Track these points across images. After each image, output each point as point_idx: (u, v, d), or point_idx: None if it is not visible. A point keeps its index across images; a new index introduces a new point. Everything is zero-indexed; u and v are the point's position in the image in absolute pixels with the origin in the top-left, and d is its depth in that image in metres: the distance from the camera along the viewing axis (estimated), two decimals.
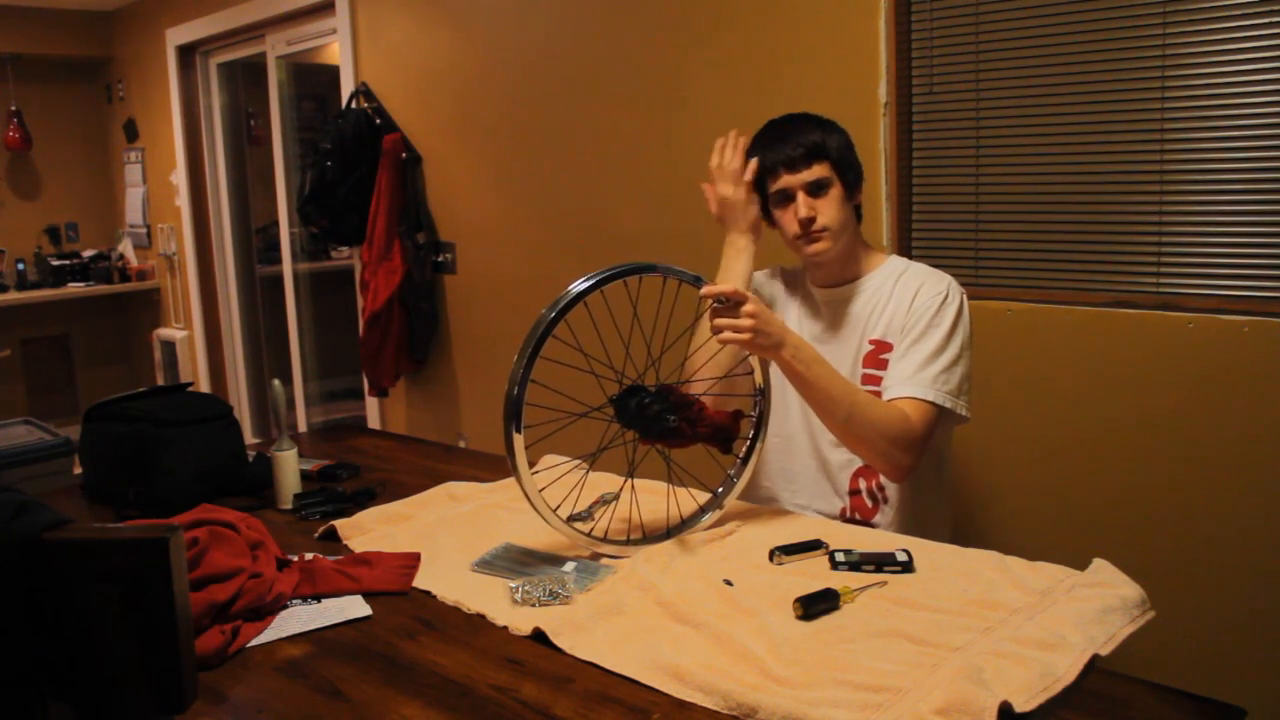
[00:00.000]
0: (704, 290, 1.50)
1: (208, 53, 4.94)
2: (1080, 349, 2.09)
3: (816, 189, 1.70)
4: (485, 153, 3.39)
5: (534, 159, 3.22)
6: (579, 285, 1.48)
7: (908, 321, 1.68)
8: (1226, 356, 1.91)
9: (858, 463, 1.72)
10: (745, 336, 1.48)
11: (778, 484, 1.84)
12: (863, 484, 1.73)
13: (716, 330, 1.49)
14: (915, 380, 1.63)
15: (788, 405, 1.77)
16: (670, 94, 2.77)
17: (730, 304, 1.50)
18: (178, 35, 4.90)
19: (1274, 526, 1.88)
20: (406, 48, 3.62)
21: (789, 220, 1.72)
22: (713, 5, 2.63)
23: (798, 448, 1.80)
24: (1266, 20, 1.83)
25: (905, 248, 2.34)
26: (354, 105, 3.71)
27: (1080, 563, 1.35)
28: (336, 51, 3.95)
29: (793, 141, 1.70)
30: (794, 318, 1.83)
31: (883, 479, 1.71)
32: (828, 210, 1.70)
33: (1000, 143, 2.18)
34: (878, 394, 1.67)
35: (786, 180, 1.70)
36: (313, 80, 4.71)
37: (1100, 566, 1.33)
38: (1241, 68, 1.87)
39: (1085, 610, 1.20)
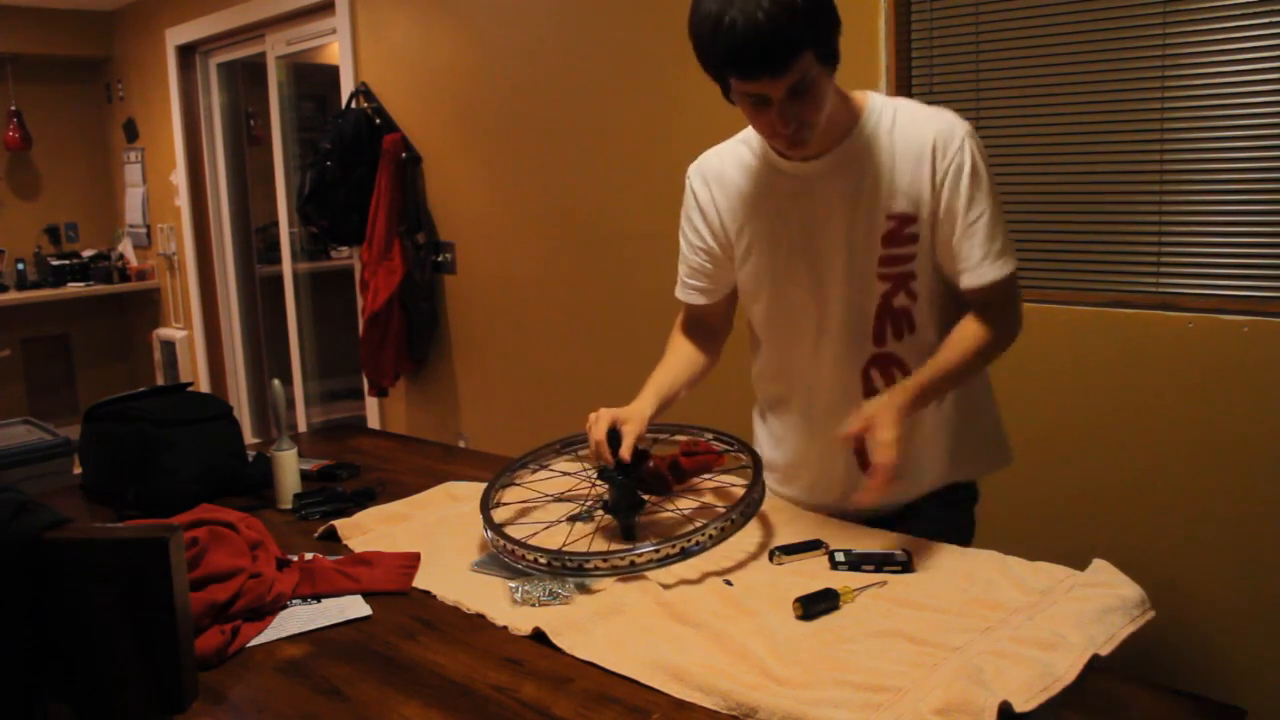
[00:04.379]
0: (845, 434, 1.38)
1: (208, 53, 4.94)
2: (1080, 349, 2.09)
3: (801, 90, 1.33)
4: (485, 153, 3.39)
5: (534, 159, 3.22)
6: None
7: (938, 188, 1.43)
8: (1226, 356, 1.91)
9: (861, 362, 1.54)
10: (894, 460, 1.33)
11: (797, 390, 1.63)
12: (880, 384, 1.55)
13: (870, 502, 1.36)
14: (993, 258, 1.44)
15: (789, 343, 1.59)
16: (670, 93, 2.77)
17: None
18: (178, 35, 4.90)
19: (1274, 526, 1.88)
20: (406, 48, 3.62)
21: (763, 124, 1.39)
22: None
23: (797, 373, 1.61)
24: (1266, 20, 1.83)
25: None
26: (354, 105, 3.71)
27: (1080, 563, 1.35)
28: (336, 51, 3.95)
29: (763, 45, 1.27)
30: (770, 210, 1.52)
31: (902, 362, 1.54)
32: (813, 106, 1.35)
33: (1000, 143, 2.18)
34: (906, 273, 1.47)
35: (762, 88, 1.32)
36: (313, 80, 4.71)
37: (1100, 567, 1.33)
38: (1241, 68, 1.87)
39: (1085, 610, 1.20)
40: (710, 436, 1.72)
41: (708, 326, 1.70)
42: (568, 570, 1.38)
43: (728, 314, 1.70)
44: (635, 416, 1.54)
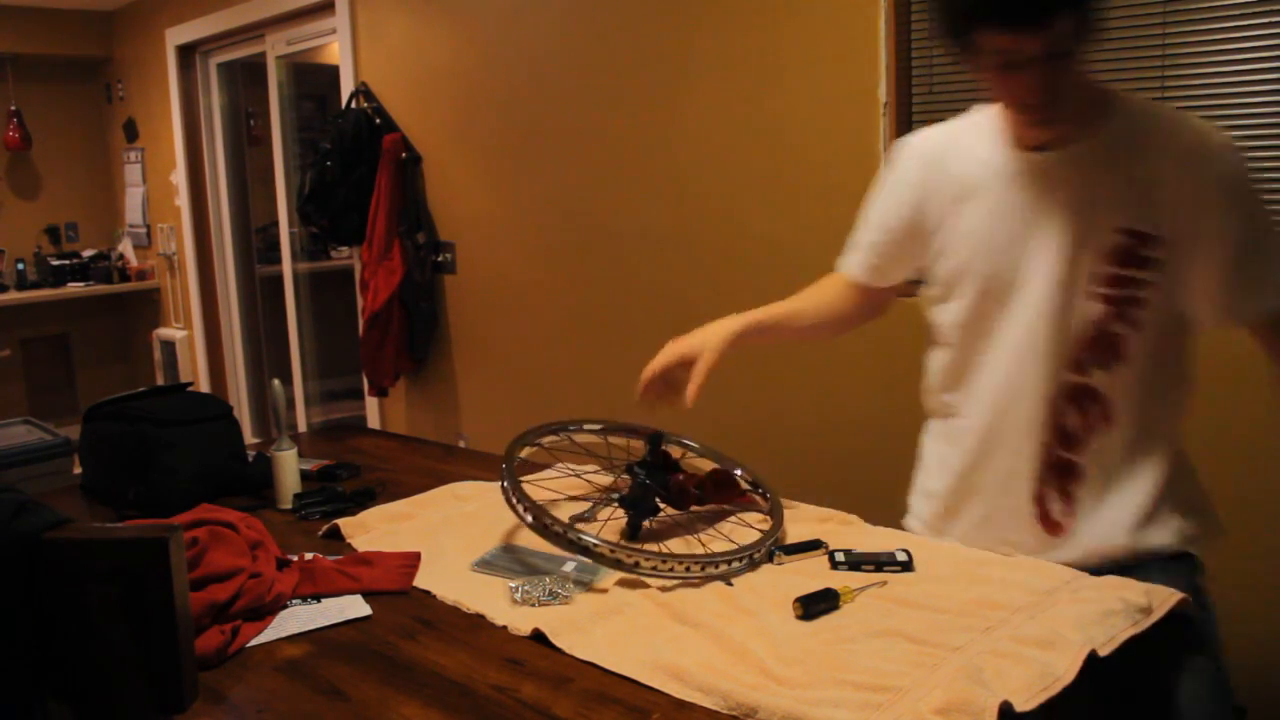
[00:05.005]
0: None
1: (208, 53, 4.94)
2: None
3: (1056, 57, 1.19)
4: (485, 153, 3.39)
5: (534, 159, 3.22)
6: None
7: (1202, 211, 1.27)
8: (1226, 356, 1.91)
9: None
10: None
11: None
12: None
13: None
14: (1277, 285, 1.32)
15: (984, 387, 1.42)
16: (670, 94, 2.77)
17: None
18: (178, 35, 4.90)
19: (1274, 526, 1.88)
20: (406, 48, 3.62)
21: (1010, 91, 1.27)
22: (713, 5, 2.63)
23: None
24: (1266, 20, 1.83)
25: None
26: (354, 105, 3.72)
27: None
28: (336, 51, 3.95)
29: None
30: (989, 201, 1.37)
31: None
32: (1064, 83, 1.22)
33: None
34: (1130, 298, 1.30)
35: (1018, 43, 1.18)
36: (313, 80, 4.71)
37: None
38: (1241, 68, 1.87)
39: (1086, 611, 1.20)
40: (744, 475, 1.69)
41: (848, 306, 1.58)
42: (573, 545, 1.37)
43: (872, 308, 1.59)
44: (710, 346, 1.45)
